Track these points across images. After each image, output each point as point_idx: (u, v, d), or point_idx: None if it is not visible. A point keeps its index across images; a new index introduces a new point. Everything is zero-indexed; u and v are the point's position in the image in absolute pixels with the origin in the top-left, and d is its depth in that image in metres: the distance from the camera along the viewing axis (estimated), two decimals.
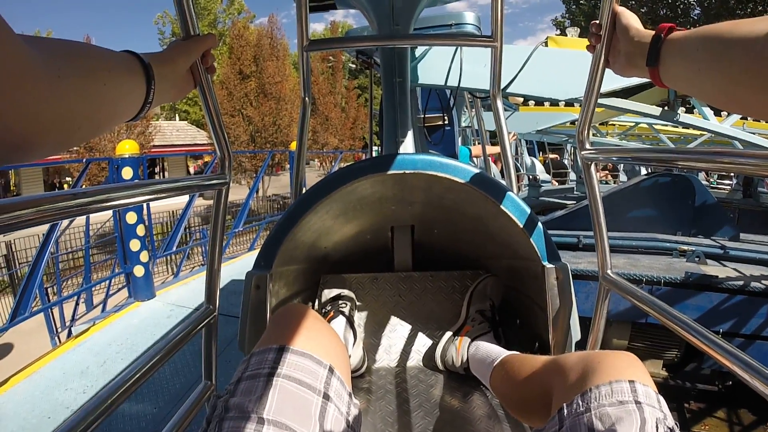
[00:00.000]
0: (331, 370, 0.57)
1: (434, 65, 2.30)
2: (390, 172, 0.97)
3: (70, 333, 3.76)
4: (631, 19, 0.68)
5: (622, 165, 9.63)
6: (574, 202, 4.53)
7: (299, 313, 0.64)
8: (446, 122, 3.01)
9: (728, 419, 2.55)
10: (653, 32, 0.61)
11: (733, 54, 0.46)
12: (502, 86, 1.39)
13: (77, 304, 4.50)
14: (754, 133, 4.26)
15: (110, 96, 0.46)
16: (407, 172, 0.97)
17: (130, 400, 2.24)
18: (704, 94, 0.55)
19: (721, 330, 2.11)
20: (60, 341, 3.53)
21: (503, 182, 1.05)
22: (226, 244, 6.37)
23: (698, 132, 5.65)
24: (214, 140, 0.78)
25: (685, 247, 2.52)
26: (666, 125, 5.51)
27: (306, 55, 1.11)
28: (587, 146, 0.85)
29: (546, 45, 2.86)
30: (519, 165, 7.32)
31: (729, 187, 6.71)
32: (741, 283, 2.10)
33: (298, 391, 0.52)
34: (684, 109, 3.17)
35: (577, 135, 0.86)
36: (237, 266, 4.67)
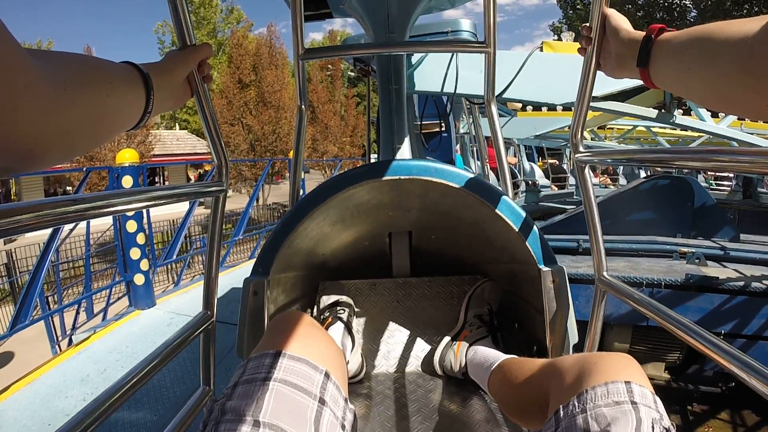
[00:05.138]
0: (327, 375, 0.57)
1: (431, 72, 2.31)
2: (385, 178, 0.97)
3: (70, 341, 3.76)
4: (620, 20, 0.69)
5: (621, 168, 9.63)
6: (574, 206, 4.52)
7: (296, 320, 0.65)
8: (443, 129, 3.03)
9: (732, 421, 2.54)
10: (644, 33, 0.62)
11: (724, 52, 0.46)
12: (499, 92, 1.41)
13: (78, 312, 4.50)
14: (752, 134, 4.27)
15: (112, 106, 0.47)
16: (402, 177, 0.97)
17: (130, 408, 2.23)
18: (694, 94, 0.56)
19: (723, 331, 2.10)
20: (60, 349, 3.53)
21: (498, 187, 1.06)
22: (226, 253, 6.38)
23: (696, 134, 5.66)
24: (211, 148, 0.78)
25: (685, 249, 2.51)
26: (664, 128, 5.52)
27: (302, 63, 1.12)
28: (581, 149, 0.86)
29: (542, 50, 2.88)
30: (517, 171, 7.31)
31: (729, 188, 6.69)
32: (742, 283, 2.09)
33: (294, 395, 0.52)
34: (681, 110, 3.17)
35: (570, 138, 0.87)
36: (237, 274, 4.68)
